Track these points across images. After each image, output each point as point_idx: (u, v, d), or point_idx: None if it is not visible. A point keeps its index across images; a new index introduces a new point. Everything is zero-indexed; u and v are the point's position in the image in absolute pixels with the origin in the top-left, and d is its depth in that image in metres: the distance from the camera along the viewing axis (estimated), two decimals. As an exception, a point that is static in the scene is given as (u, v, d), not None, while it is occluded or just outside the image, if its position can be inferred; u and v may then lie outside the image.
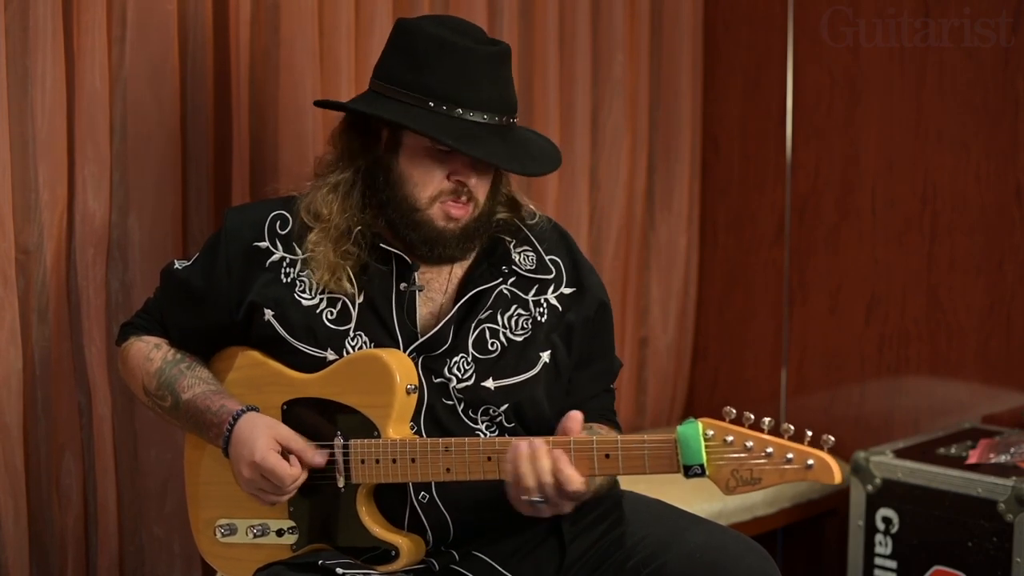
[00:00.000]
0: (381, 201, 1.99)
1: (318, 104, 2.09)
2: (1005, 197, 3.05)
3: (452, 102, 1.90)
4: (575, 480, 1.77)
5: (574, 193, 3.24)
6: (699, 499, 2.84)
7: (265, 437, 1.90)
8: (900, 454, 2.89)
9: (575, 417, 1.83)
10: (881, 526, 2.87)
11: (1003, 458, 2.79)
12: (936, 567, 2.78)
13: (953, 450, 2.89)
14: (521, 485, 1.78)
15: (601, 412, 2.11)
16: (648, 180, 3.46)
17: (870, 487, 2.88)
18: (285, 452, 1.92)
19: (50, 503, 2.40)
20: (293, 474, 1.90)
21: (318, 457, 1.92)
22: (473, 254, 2.05)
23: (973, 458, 2.81)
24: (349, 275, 1.98)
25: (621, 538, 2.00)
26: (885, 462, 2.86)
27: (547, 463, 1.77)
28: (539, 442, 1.78)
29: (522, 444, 1.79)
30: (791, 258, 3.45)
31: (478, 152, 1.89)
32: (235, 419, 1.95)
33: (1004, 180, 3.05)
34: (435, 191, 1.95)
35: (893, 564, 2.85)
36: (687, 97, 3.48)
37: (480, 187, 1.98)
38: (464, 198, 1.96)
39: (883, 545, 2.87)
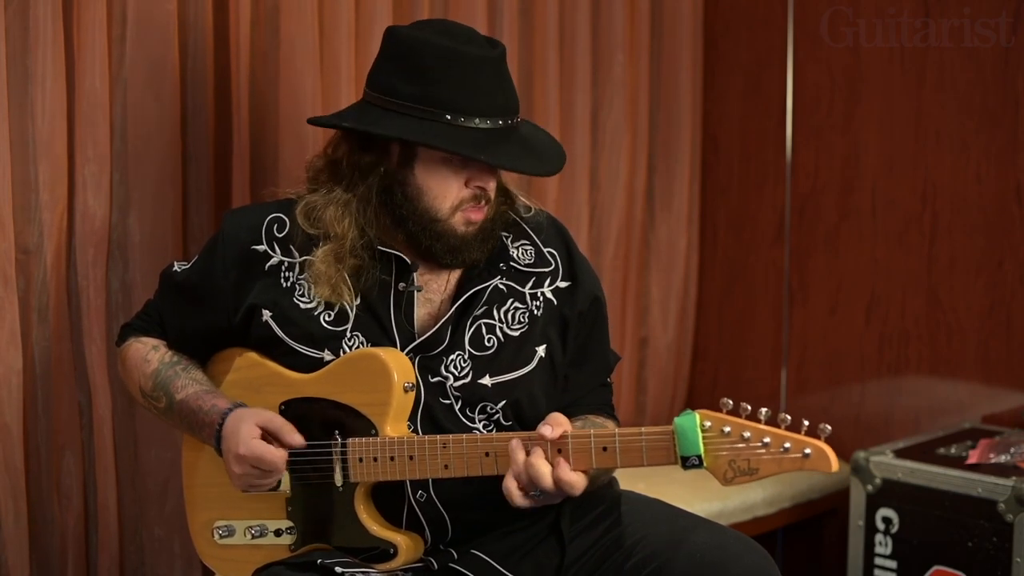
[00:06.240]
0: (400, 216, 1.98)
1: (321, 123, 2.07)
2: (1005, 197, 3.05)
3: (468, 113, 1.91)
4: (578, 486, 1.78)
5: (574, 193, 3.24)
6: (699, 499, 2.84)
7: (247, 426, 1.91)
8: (900, 454, 2.89)
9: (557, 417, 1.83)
10: (881, 526, 2.87)
11: (1003, 458, 2.79)
12: (936, 567, 2.78)
13: (953, 450, 2.89)
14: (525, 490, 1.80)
15: (599, 406, 2.10)
16: (648, 180, 3.46)
17: (870, 487, 2.88)
18: (267, 435, 1.92)
19: (50, 503, 2.40)
20: (281, 455, 1.90)
21: (296, 438, 1.92)
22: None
23: (973, 458, 2.81)
24: (348, 285, 1.98)
25: (621, 538, 2.00)
26: (885, 462, 2.86)
27: (546, 469, 1.78)
28: (536, 449, 1.79)
29: (519, 455, 1.80)
30: (791, 258, 3.45)
31: (504, 162, 1.92)
32: (224, 417, 1.95)
33: (1004, 180, 3.05)
34: (455, 200, 1.96)
35: (893, 564, 2.85)
36: (687, 97, 3.48)
37: (493, 189, 2.00)
38: (483, 202, 1.98)
39: (883, 545, 2.87)
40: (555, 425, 1.80)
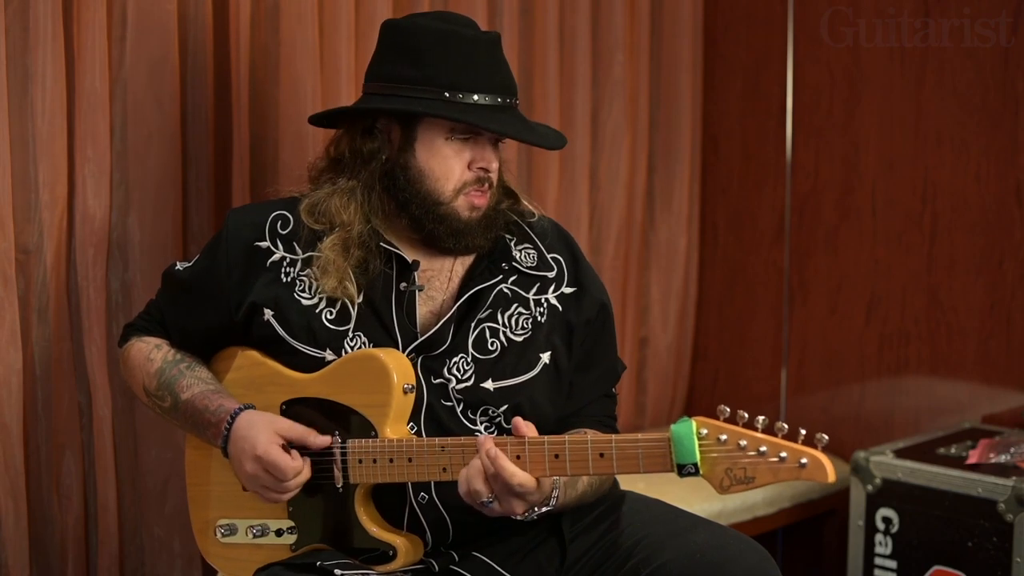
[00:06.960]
0: (403, 200, 1.99)
1: (317, 117, 2.09)
2: (1005, 197, 3.05)
3: (466, 89, 1.93)
4: (517, 475, 1.74)
5: (574, 193, 3.24)
6: (699, 499, 2.84)
7: (266, 432, 1.91)
8: (900, 454, 2.89)
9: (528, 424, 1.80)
10: (881, 526, 2.87)
11: (1003, 458, 2.79)
12: (936, 567, 2.78)
13: (953, 450, 2.89)
14: (471, 489, 1.77)
15: (601, 419, 2.10)
16: (648, 180, 3.46)
17: (870, 487, 2.88)
18: (287, 446, 1.92)
19: (50, 503, 2.40)
20: (295, 467, 1.90)
21: (320, 439, 1.92)
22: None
23: (973, 458, 2.81)
24: (353, 280, 1.98)
25: (621, 538, 2.00)
26: (885, 462, 2.86)
27: (485, 459, 1.75)
28: (486, 441, 1.76)
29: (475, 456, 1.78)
30: (791, 258, 3.45)
31: (507, 130, 1.94)
32: (233, 417, 1.95)
33: (1004, 180, 3.05)
34: (458, 182, 1.97)
35: (893, 564, 2.85)
36: (687, 97, 3.49)
37: (495, 172, 2.01)
38: (486, 185, 1.99)
39: (883, 545, 2.87)
40: (524, 425, 1.78)
